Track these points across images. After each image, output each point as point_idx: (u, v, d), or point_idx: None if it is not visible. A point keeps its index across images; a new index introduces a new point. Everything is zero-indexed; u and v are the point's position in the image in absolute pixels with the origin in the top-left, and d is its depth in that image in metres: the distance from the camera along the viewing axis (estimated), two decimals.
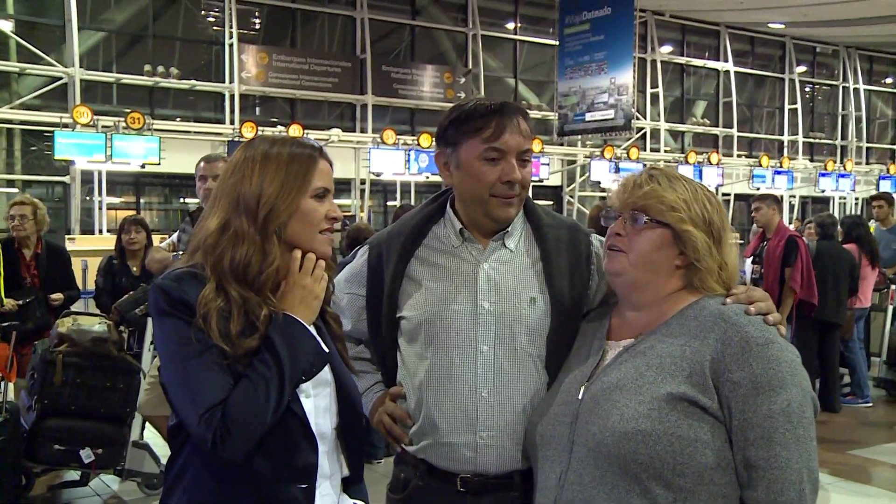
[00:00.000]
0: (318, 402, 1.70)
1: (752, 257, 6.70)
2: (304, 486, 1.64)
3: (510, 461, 1.88)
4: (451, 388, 1.90)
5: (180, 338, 1.58)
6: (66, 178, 13.89)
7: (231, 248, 1.64)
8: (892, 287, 7.69)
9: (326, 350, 1.71)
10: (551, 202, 18.47)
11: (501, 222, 1.95)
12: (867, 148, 24.39)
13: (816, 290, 6.41)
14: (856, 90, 24.07)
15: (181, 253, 4.48)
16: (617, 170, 17.30)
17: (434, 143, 2.05)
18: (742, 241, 11.60)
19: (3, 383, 4.30)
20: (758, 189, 19.91)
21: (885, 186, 20.35)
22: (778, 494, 1.55)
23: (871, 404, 7.51)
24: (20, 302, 5.52)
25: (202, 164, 4.31)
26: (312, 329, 1.69)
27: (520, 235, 2.00)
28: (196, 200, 4.48)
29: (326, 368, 1.72)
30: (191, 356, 1.56)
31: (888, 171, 22.41)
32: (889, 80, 25.46)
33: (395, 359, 2.01)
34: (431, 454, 1.92)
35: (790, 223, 16.03)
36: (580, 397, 1.72)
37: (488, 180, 1.89)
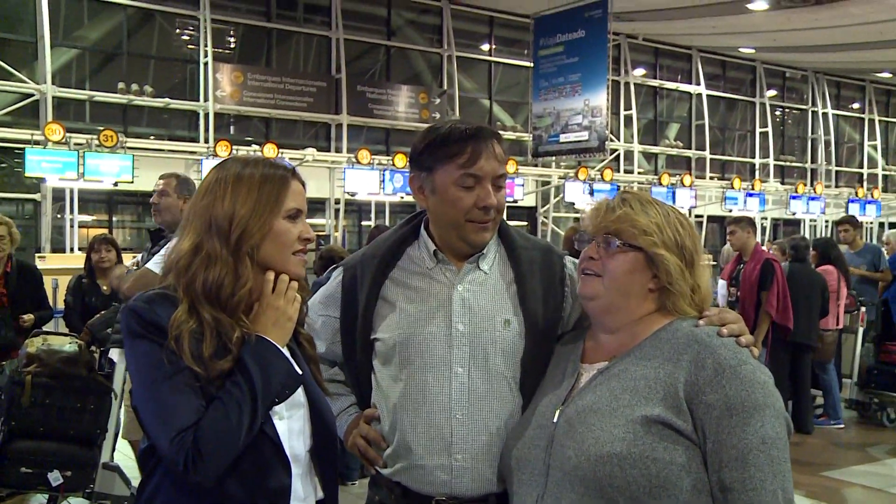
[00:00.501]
0: (291, 424, 1.70)
1: (728, 280, 6.72)
2: None
3: (486, 483, 1.87)
4: (426, 410, 1.89)
5: (152, 360, 1.57)
6: (37, 196, 13.73)
7: (203, 269, 1.64)
8: (863, 309, 7.79)
9: (300, 372, 1.70)
10: (526, 223, 18.54)
11: (477, 247, 1.96)
12: (836, 171, 24.78)
13: (792, 314, 6.45)
14: (824, 114, 24.49)
15: (135, 268, 4.47)
16: (591, 191, 17.41)
17: (408, 166, 2.07)
18: (715, 263, 11.69)
19: None
20: (730, 211, 20.13)
21: (854, 209, 20.69)
22: None
23: (842, 426, 7.58)
24: None
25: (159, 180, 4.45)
26: (286, 351, 1.69)
27: (494, 258, 2.01)
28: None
29: (300, 390, 1.71)
30: (162, 378, 1.55)
31: (857, 194, 22.76)
32: (856, 106, 25.92)
33: (369, 381, 2.01)
34: (406, 477, 1.91)
35: (763, 245, 16.22)
36: (555, 420, 1.72)
37: (464, 206, 1.90)
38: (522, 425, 1.83)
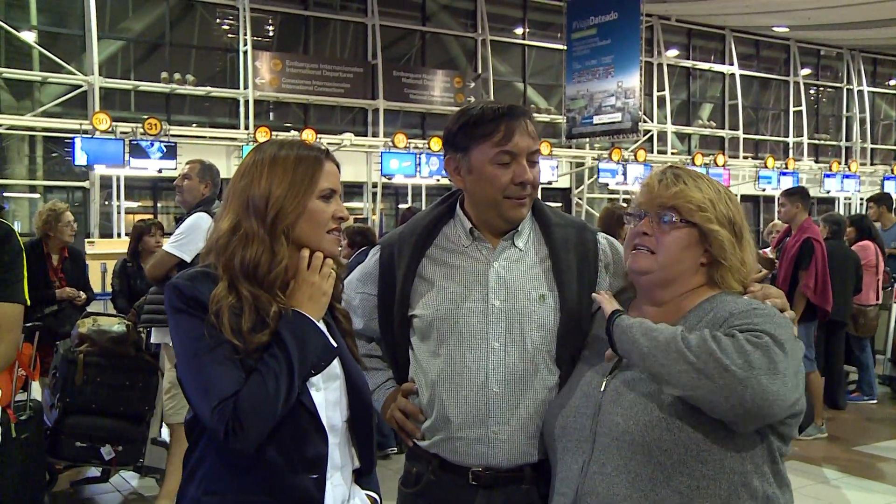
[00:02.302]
0: (328, 395, 1.74)
1: (775, 250, 6.54)
2: (314, 476, 1.67)
3: (522, 455, 1.90)
4: (464, 384, 1.92)
5: (193, 334, 1.62)
6: (85, 184, 14.12)
7: (241, 248, 1.68)
8: None
9: (335, 345, 1.75)
10: (560, 204, 18.63)
11: (514, 222, 1.99)
12: (871, 149, 24.48)
13: (830, 295, 6.20)
14: (860, 92, 24.17)
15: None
16: (624, 172, 17.46)
17: (443, 148, 2.09)
18: None
19: (28, 382, 4.35)
20: (763, 190, 20.08)
21: (890, 187, 20.45)
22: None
23: (875, 401, 7.65)
24: (55, 308, 5.76)
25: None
26: (322, 325, 1.73)
27: (529, 234, 2.03)
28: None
29: (336, 363, 1.75)
30: (204, 351, 1.60)
31: (892, 171, 22.51)
32: (893, 82, 25.53)
33: (406, 356, 2.04)
34: (444, 449, 1.94)
35: None
36: (602, 389, 1.74)
37: (501, 183, 1.92)
38: (567, 395, 1.85)
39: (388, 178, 15.86)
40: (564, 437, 1.78)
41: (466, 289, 1.96)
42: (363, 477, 1.88)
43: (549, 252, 2.01)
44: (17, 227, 13.50)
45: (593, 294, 1.87)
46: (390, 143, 15.57)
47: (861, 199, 21.45)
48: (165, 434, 5.15)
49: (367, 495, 1.89)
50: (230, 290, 1.65)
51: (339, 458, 1.76)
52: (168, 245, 4.42)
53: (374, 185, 16.33)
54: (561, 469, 1.78)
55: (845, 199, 22.37)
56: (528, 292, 1.96)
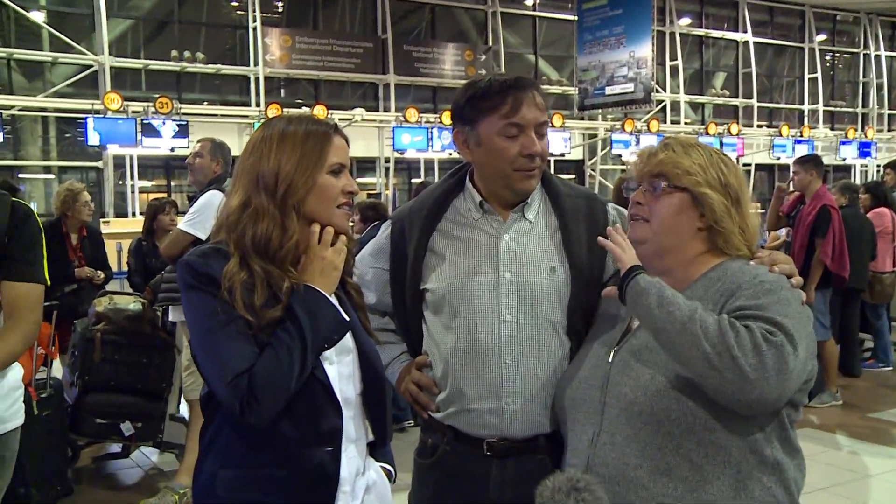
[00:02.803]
0: (341, 368, 1.75)
1: (787, 216, 6.47)
2: (330, 448, 1.69)
3: (535, 425, 1.93)
4: (477, 356, 1.94)
5: (207, 310, 1.63)
6: (99, 164, 14.18)
7: (252, 224, 1.69)
8: None
9: (347, 319, 1.76)
10: (573, 176, 18.58)
11: (523, 194, 1.99)
12: (889, 115, 24.21)
13: (848, 263, 6.21)
14: (877, 57, 23.84)
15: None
16: (637, 142, 17.37)
17: (451, 121, 2.09)
18: (763, 211, 11.67)
19: (48, 360, 4.45)
20: (778, 159, 19.92)
21: None
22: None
23: (891, 368, 7.66)
24: (74, 287, 5.81)
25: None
26: (333, 299, 1.74)
27: (538, 206, 2.03)
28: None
29: (348, 336, 1.77)
30: (217, 327, 1.61)
31: None
32: None
33: (419, 329, 2.06)
34: (458, 420, 1.97)
35: None
36: (610, 360, 1.76)
37: (510, 155, 1.92)
38: (576, 367, 1.86)
39: (401, 153, 15.84)
40: (574, 409, 1.80)
41: (477, 262, 1.97)
42: (377, 449, 1.90)
43: (559, 223, 2.01)
44: (34, 207, 13.58)
45: (600, 238, 1.81)
46: (402, 118, 15.53)
47: (878, 165, 21.27)
48: (184, 410, 5.23)
49: (382, 467, 1.90)
50: (242, 266, 1.66)
51: (354, 431, 1.77)
52: (183, 223, 4.45)
53: (387, 161, 16.34)
54: (571, 440, 1.80)
55: (862, 166, 22.16)
56: (539, 264, 1.97)
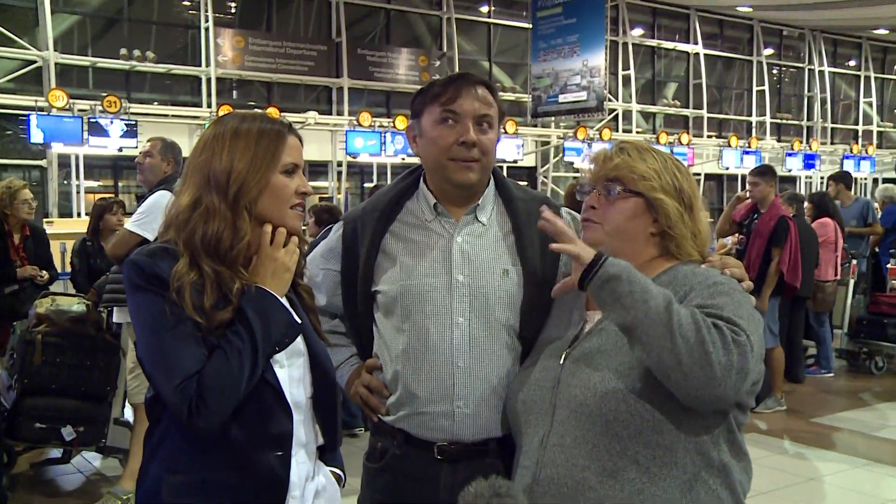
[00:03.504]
0: (291, 372, 1.72)
1: (738, 224, 6.58)
2: (279, 453, 1.67)
3: (486, 429, 1.92)
4: (428, 359, 1.92)
5: (154, 311, 1.59)
6: (42, 162, 13.82)
7: (202, 223, 1.65)
8: (853, 261, 7.99)
9: (299, 321, 1.74)
10: (525, 183, 18.58)
11: (461, 186, 1.97)
12: (832, 128, 24.84)
13: (800, 272, 6.37)
14: (821, 72, 24.46)
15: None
16: (590, 150, 17.51)
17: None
18: (712, 220, 11.87)
19: None
20: (727, 169, 20.28)
21: (849, 166, 20.83)
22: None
23: (832, 375, 7.85)
24: (15, 287, 5.65)
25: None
26: (285, 301, 1.72)
27: (492, 209, 2.03)
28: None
29: (299, 339, 1.74)
30: (165, 329, 1.58)
31: (851, 150, 22.89)
32: (852, 63, 25.89)
33: (370, 332, 2.04)
34: (409, 424, 1.95)
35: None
36: (562, 362, 1.76)
37: (445, 143, 1.92)
38: (527, 370, 1.86)
39: (353, 157, 15.74)
40: (525, 411, 1.79)
41: (430, 264, 1.96)
42: (327, 454, 1.88)
43: (512, 226, 2.01)
44: None
45: (552, 245, 1.72)
46: (355, 122, 15.45)
47: (821, 177, 21.81)
48: (129, 414, 5.11)
49: (332, 472, 1.88)
50: (191, 266, 1.63)
51: (304, 435, 1.75)
52: (130, 223, 4.37)
53: (339, 164, 16.23)
54: (523, 442, 1.80)
55: (806, 177, 22.68)
56: (492, 267, 1.96)
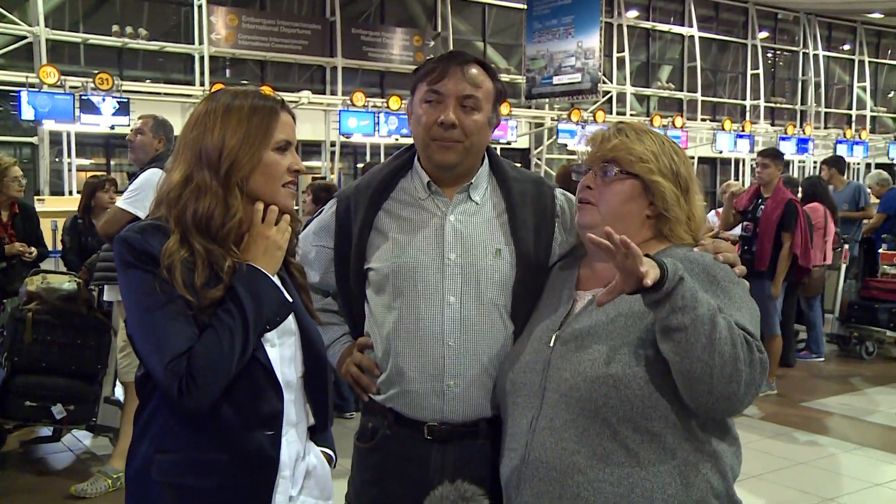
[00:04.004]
0: (282, 351, 1.71)
1: (742, 213, 6.56)
2: (270, 432, 1.66)
3: (477, 409, 1.91)
4: (419, 337, 1.91)
5: (145, 289, 1.58)
6: (34, 139, 13.72)
7: (194, 200, 1.64)
8: (846, 246, 8.00)
9: (290, 300, 1.73)
10: (519, 164, 18.57)
11: (442, 166, 1.95)
12: (825, 113, 24.85)
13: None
14: (815, 56, 24.43)
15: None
16: (584, 132, 17.47)
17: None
18: (706, 204, 11.86)
19: None
20: (720, 152, 20.28)
21: (842, 150, 20.85)
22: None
23: (823, 359, 7.89)
24: (3, 265, 5.60)
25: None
26: (276, 279, 1.71)
27: (486, 188, 2.01)
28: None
29: (291, 318, 1.74)
30: (155, 306, 1.57)
31: (845, 135, 22.92)
32: (846, 47, 25.86)
33: (362, 310, 2.03)
34: (399, 403, 1.94)
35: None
36: (551, 344, 1.74)
37: (427, 122, 1.91)
38: (518, 351, 1.85)
39: (347, 137, 15.69)
40: (514, 393, 1.78)
41: (422, 242, 1.95)
42: (318, 434, 1.87)
43: (505, 206, 1.99)
44: None
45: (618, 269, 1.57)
46: (348, 102, 15.39)
47: (814, 161, 21.83)
48: (119, 392, 5.09)
49: (322, 452, 1.87)
50: (182, 243, 1.61)
51: (295, 414, 1.74)
52: (121, 201, 4.34)
53: (333, 144, 16.18)
54: (511, 424, 1.79)
55: (799, 161, 22.71)
56: (485, 246, 1.95)
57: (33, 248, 5.82)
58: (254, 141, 1.68)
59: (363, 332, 2.04)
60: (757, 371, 1.54)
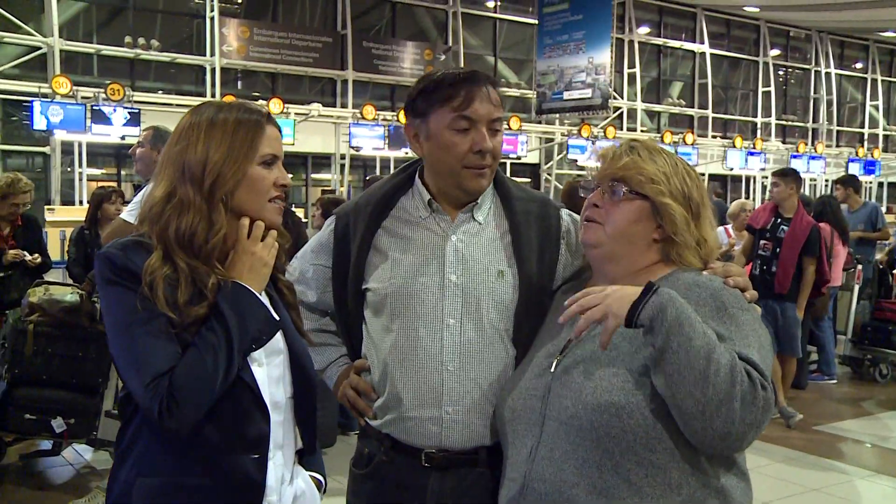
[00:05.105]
0: (270, 371, 1.66)
1: (759, 231, 6.41)
2: (256, 456, 1.60)
3: (476, 437, 1.84)
4: (417, 361, 1.85)
5: (126, 306, 1.54)
6: (46, 149, 13.79)
7: (177, 216, 1.60)
8: (859, 266, 7.90)
9: (277, 318, 1.68)
10: (529, 180, 18.63)
11: (473, 194, 1.90)
12: (837, 131, 24.78)
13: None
14: (827, 74, 24.41)
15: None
16: (594, 147, 17.43)
17: (403, 115, 1.99)
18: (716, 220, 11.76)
19: None
20: (731, 170, 20.22)
21: (854, 169, 20.75)
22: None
23: (835, 381, 7.77)
24: (1, 275, 5.55)
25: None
26: (264, 297, 1.66)
27: (489, 208, 1.95)
28: None
29: (279, 337, 1.69)
30: (137, 325, 1.52)
31: (857, 154, 22.83)
32: (859, 65, 25.83)
33: (360, 331, 1.97)
34: (396, 429, 1.88)
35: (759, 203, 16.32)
36: (552, 370, 1.67)
37: (459, 150, 1.83)
38: (518, 376, 1.78)
39: (357, 150, 15.71)
40: (514, 420, 1.72)
41: (422, 262, 1.89)
42: (307, 457, 1.81)
43: (509, 226, 1.93)
44: None
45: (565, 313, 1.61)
46: (359, 115, 15.40)
47: (826, 180, 21.75)
48: None
49: (311, 476, 1.81)
50: (165, 260, 1.57)
51: (282, 436, 1.68)
52: (125, 213, 4.30)
53: (342, 157, 16.19)
54: (511, 453, 1.72)
55: (811, 180, 22.63)
56: (487, 267, 1.88)
57: (37, 254, 5.77)
58: (238, 155, 1.64)
59: (361, 353, 1.98)
60: (759, 410, 1.44)
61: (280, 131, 1.73)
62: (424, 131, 1.89)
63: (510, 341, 1.88)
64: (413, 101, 1.91)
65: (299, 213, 12.11)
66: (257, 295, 1.63)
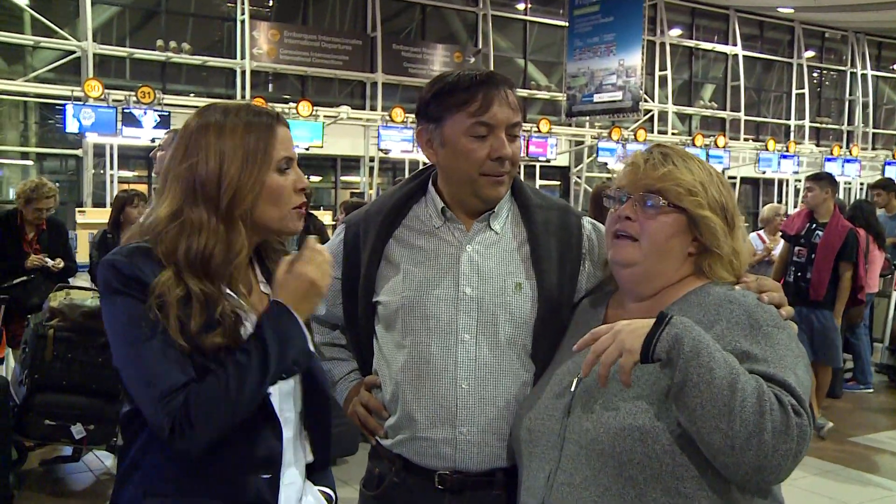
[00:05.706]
0: (281, 386, 1.56)
1: (794, 237, 6.29)
2: (267, 476, 1.53)
3: (492, 458, 1.76)
4: (430, 379, 1.76)
5: (134, 317, 1.43)
6: (79, 152, 13.94)
7: (186, 238, 1.47)
8: None
9: (313, 349, 1.58)
10: (559, 182, 18.53)
11: (491, 202, 1.81)
12: (873, 134, 24.36)
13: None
14: (863, 76, 24.00)
15: None
16: (624, 151, 17.28)
17: (415, 119, 1.87)
18: (747, 224, 11.62)
19: None
20: (763, 173, 19.95)
21: (891, 172, 20.34)
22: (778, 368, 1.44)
23: (871, 390, 7.60)
24: (24, 278, 5.57)
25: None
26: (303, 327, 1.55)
27: (506, 216, 1.86)
28: None
29: None
30: (147, 337, 1.42)
31: (894, 156, 22.40)
32: None
33: (371, 346, 1.88)
34: (408, 449, 1.79)
35: (795, 207, 16.09)
36: (573, 390, 1.58)
37: (477, 158, 1.74)
38: (536, 395, 1.69)
39: (385, 153, 15.70)
40: (531, 442, 1.61)
41: (436, 274, 1.79)
42: (317, 473, 1.73)
43: (527, 236, 1.83)
44: (10, 193, 13.38)
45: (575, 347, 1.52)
46: (388, 118, 15.39)
47: (861, 184, 21.37)
48: None
49: (321, 492, 1.73)
50: (178, 281, 1.45)
51: (293, 453, 1.61)
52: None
53: (371, 160, 16.20)
54: (527, 477, 1.62)
55: (846, 183, 22.25)
56: (504, 280, 1.79)
57: (59, 259, 5.77)
58: (254, 165, 1.50)
59: (372, 369, 1.90)
60: (792, 439, 1.33)
61: (289, 129, 1.60)
62: (439, 137, 1.79)
63: (528, 358, 1.78)
64: (426, 105, 1.80)
65: (327, 215, 12.13)
66: (301, 323, 1.52)
